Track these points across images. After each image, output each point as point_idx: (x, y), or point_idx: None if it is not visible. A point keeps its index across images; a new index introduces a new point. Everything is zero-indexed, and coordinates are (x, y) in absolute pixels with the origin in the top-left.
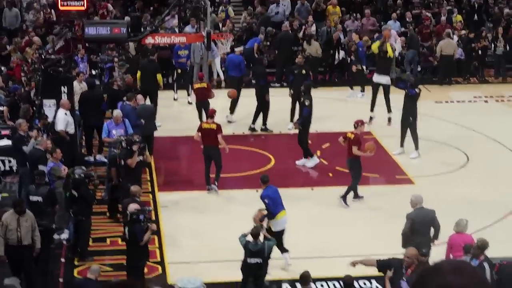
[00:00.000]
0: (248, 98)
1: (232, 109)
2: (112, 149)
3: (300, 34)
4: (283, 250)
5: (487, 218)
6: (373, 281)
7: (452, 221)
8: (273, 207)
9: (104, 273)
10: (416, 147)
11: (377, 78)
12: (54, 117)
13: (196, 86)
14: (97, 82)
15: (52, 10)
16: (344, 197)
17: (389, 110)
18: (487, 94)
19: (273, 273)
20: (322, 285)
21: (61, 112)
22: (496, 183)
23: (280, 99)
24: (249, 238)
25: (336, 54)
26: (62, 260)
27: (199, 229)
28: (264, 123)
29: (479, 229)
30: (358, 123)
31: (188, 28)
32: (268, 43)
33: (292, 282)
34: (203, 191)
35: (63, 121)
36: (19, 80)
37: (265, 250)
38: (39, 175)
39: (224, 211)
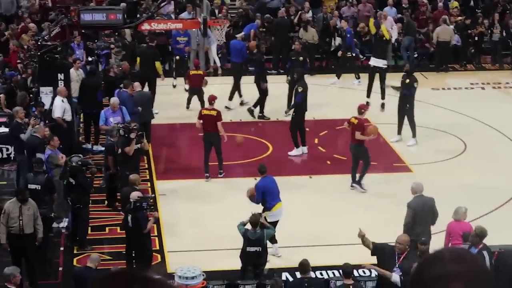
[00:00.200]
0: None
1: (231, 96)
2: (109, 137)
3: (296, 20)
4: (273, 241)
5: (485, 206)
6: (373, 270)
7: (451, 209)
8: (270, 198)
9: (103, 261)
10: (414, 135)
11: (373, 61)
12: (51, 104)
13: (192, 72)
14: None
15: None
16: (358, 182)
17: (383, 97)
18: (484, 81)
19: (272, 262)
20: (321, 273)
21: (58, 99)
22: (494, 170)
23: (277, 86)
24: (248, 226)
25: (333, 40)
26: (61, 248)
27: (198, 218)
28: (261, 110)
29: (478, 217)
30: (362, 108)
31: (184, 14)
32: (264, 29)
33: (291, 271)
34: (202, 179)
35: (60, 108)
36: (15, 67)
37: (264, 239)
38: (37, 163)
39: (223, 199)
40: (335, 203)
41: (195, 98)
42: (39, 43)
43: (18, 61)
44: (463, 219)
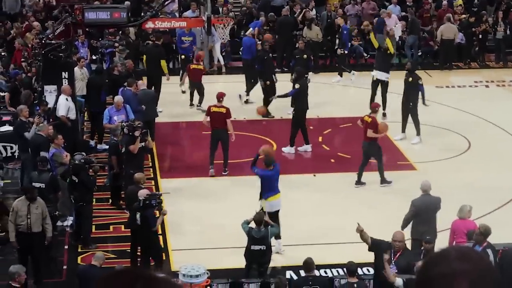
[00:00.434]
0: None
1: (249, 90)
2: (112, 137)
3: (300, 18)
4: (277, 237)
5: (490, 204)
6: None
7: (455, 207)
8: (267, 189)
9: (107, 260)
10: (418, 133)
11: (376, 74)
12: (55, 103)
13: (192, 66)
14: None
15: None
16: (383, 181)
17: (384, 108)
18: (488, 79)
19: (276, 260)
20: (325, 272)
21: (62, 97)
22: (498, 168)
23: (281, 84)
24: (252, 224)
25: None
26: (66, 247)
27: (202, 216)
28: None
29: (482, 215)
30: (376, 107)
31: (188, 13)
32: (268, 27)
33: (295, 269)
34: (206, 178)
35: (65, 106)
36: (19, 65)
37: (269, 237)
38: (41, 161)
39: (227, 198)
40: (339, 201)
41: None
42: (43, 41)
43: (22, 59)
44: (468, 217)
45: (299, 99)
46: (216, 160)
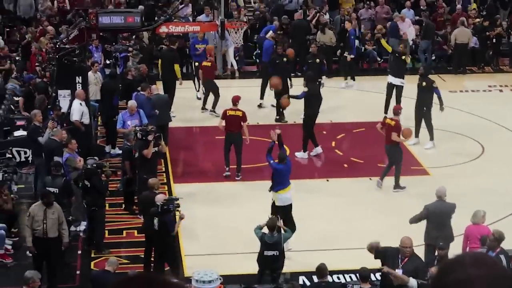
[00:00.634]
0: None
1: (262, 94)
2: (125, 142)
3: (313, 23)
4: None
5: (503, 209)
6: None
7: (469, 213)
8: (278, 182)
9: (120, 265)
10: (431, 138)
11: (391, 79)
12: (69, 107)
13: (204, 64)
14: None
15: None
16: (397, 186)
17: (386, 111)
18: (502, 83)
19: (289, 266)
20: (338, 277)
21: (76, 102)
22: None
23: (295, 88)
24: (265, 230)
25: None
26: (79, 252)
27: (215, 221)
28: (278, 113)
29: (496, 220)
30: (398, 109)
31: (202, 17)
32: (282, 31)
33: (308, 275)
34: (219, 183)
35: (78, 111)
36: (33, 70)
37: (282, 242)
38: (55, 166)
39: (240, 203)
40: (352, 206)
41: (210, 99)
42: (57, 46)
43: (37, 64)
44: (482, 222)
45: (309, 103)
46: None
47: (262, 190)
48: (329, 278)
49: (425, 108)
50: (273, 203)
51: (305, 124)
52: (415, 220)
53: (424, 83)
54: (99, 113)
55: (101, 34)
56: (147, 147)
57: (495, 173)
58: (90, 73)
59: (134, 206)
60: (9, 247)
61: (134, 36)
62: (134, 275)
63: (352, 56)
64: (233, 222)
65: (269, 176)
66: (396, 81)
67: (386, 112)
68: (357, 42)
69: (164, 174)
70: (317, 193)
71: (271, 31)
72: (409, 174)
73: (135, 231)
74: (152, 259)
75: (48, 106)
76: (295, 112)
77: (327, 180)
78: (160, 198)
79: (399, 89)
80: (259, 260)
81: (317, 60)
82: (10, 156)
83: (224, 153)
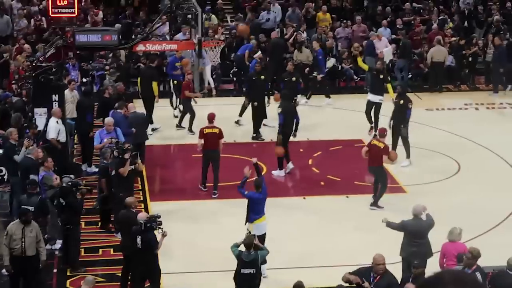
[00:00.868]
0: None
1: (241, 112)
2: (102, 159)
3: (291, 41)
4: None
5: (480, 227)
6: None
7: (445, 230)
8: (254, 212)
9: (97, 284)
10: (408, 155)
11: (370, 97)
12: (46, 125)
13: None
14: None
15: (43, 17)
16: (375, 204)
17: (375, 129)
18: (478, 102)
19: (266, 283)
20: None
21: (53, 120)
22: (488, 191)
23: (271, 107)
24: (242, 248)
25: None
26: (55, 270)
27: (192, 239)
28: (255, 131)
29: (472, 237)
30: (384, 132)
31: (179, 36)
32: (260, 49)
33: None
34: (195, 201)
35: (55, 129)
36: (10, 88)
37: (259, 260)
38: (30, 184)
39: (216, 221)
40: (329, 224)
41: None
42: (34, 64)
43: (13, 81)
44: (458, 240)
45: (284, 122)
46: (207, 183)
47: (239, 208)
48: None
49: (402, 126)
50: (249, 232)
51: (279, 141)
52: (390, 226)
53: (401, 101)
54: (75, 131)
55: (78, 52)
56: (123, 165)
57: (471, 191)
58: (66, 91)
59: (110, 224)
60: None
61: (111, 54)
62: None
63: (322, 75)
64: (210, 240)
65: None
66: (375, 98)
67: (370, 122)
68: (333, 60)
69: (141, 192)
70: (294, 210)
71: (259, 52)
72: (386, 192)
73: (111, 249)
74: (129, 277)
75: (24, 124)
76: (273, 130)
77: (304, 198)
78: (142, 216)
79: (378, 106)
80: (236, 278)
81: (293, 78)
82: None
83: (202, 171)
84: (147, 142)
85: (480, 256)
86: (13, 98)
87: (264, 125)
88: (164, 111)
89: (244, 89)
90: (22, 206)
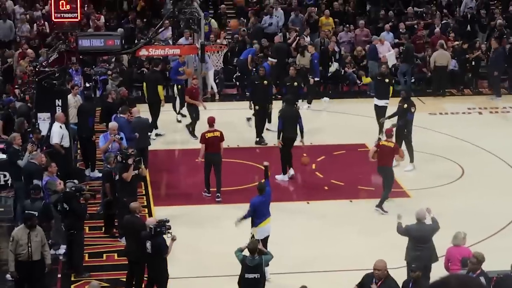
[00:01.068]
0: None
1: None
2: (106, 164)
3: (294, 46)
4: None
5: (484, 231)
6: None
7: (449, 234)
8: (257, 217)
9: None
10: (411, 160)
11: (376, 101)
12: (49, 130)
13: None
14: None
15: (46, 22)
16: (380, 205)
17: (380, 132)
18: (481, 106)
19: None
20: None
21: (56, 125)
22: (491, 195)
23: (274, 111)
24: (246, 253)
25: (330, 65)
26: (59, 275)
27: (196, 244)
28: (258, 135)
29: (477, 242)
30: (391, 132)
31: (182, 40)
32: (262, 54)
33: None
34: (199, 205)
35: (58, 134)
36: (13, 93)
37: (263, 265)
38: (34, 189)
39: (220, 226)
40: (333, 229)
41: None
42: (37, 69)
43: (16, 86)
44: (462, 244)
45: (284, 126)
46: (211, 187)
47: (243, 213)
48: None
49: (405, 130)
50: (252, 237)
51: (282, 147)
52: (398, 230)
53: (405, 105)
54: (78, 136)
55: (80, 57)
56: (127, 170)
57: (474, 195)
58: (70, 96)
59: (114, 229)
60: None
61: (114, 59)
62: None
63: (317, 79)
64: (214, 244)
65: (248, 197)
66: (380, 102)
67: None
68: (336, 64)
69: (144, 197)
70: (298, 215)
71: (270, 59)
72: (389, 196)
73: (115, 254)
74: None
75: (28, 129)
76: (275, 135)
77: (308, 203)
78: (151, 221)
79: (383, 109)
80: (240, 283)
81: (295, 83)
82: None
83: (205, 175)
84: (151, 147)
85: (484, 260)
86: (17, 103)
87: (267, 129)
88: (167, 115)
89: (247, 93)
90: (26, 211)
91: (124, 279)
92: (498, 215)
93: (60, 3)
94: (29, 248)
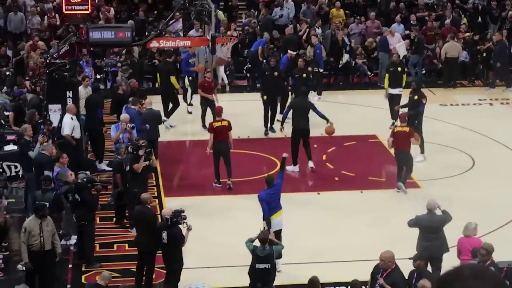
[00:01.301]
0: (254, 102)
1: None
2: (116, 155)
3: (304, 37)
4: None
5: (494, 221)
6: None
7: (460, 225)
8: (267, 210)
9: (112, 279)
10: (422, 151)
11: (391, 90)
12: (60, 122)
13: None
14: (102, 87)
15: (57, 14)
16: (404, 184)
17: (394, 117)
18: (492, 97)
19: (281, 279)
20: None
21: (68, 116)
22: (502, 186)
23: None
24: (257, 243)
25: (342, 57)
26: (70, 266)
27: (207, 234)
28: (271, 123)
29: (487, 232)
30: (405, 117)
31: (192, 32)
32: (273, 45)
33: (300, 287)
34: (210, 196)
35: (70, 125)
36: (24, 84)
37: (273, 255)
38: (45, 180)
39: (230, 216)
40: (343, 219)
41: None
42: (48, 61)
43: (27, 78)
44: (473, 234)
45: (293, 117)
46: (221, 178)
47: (253, 203)
48: None
49: (416, 122)
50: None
51: (292, 138)
52: (409, 224)
53: (416, 97)
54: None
55: (91, 49)
56: (137, 162)
57: (485, 186)
58: (80, 88)
59: (125, 220)
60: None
61: (124, 51)
62: None
63: (321, 70)
64: (225, 235)
65: (259, 189)
66: (394, 91)
67: (393, 118)
68: (347, 56)
69: (155, 188)
70: (308, 206)
71: (289, 51)
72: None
73: (126, 245)
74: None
75: (39, 121)
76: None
77: (318, 194)
78: (167, 212)
79: (398, 97)
80: (250, 273)
81: (304, 75)
82: (1, 170)
83: (214, 166)
84: (162, 138)
85: (494, 250)
86: (28, 94)
87: (277, 120)
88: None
89: (258, 85)
90: (37, 202)
91: (135, 269)
92: (509, 205)
93: None
94: (41, 238)
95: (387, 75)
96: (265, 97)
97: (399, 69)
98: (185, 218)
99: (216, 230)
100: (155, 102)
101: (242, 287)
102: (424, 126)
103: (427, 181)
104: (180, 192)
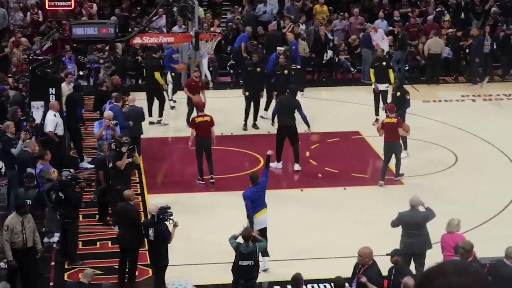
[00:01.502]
0: (237, 98)
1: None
2: (99, 152)
3: (287, 33)
4: (265, 254)
5: (477, 218)
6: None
7: (444, 221)
8: (252, 208)
9: (95, 276)
10: (405, 147)
11: (378, 86)
12: (43, 118)
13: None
14: (85, 83)
15: (39, 11)
16: (398, 175)
17: (378, 113)
18: (475, 93)
19: (264, 275)
20: (313, 287)
21: (50, 113)
22: (485, 182)
23: (265, 99)
24: (240, 240)
25: (325, 53)
26: (52, 263)
27: (189, 232)
28: (254, 119)
29: (470, 228)
30: (393, 108)
31: (175, 28)
32: (256, 42)
33: (283, 284)
34: (193, 193)
35: (52, 122)
36: (7, 81)
37: (257, 252)
38: (27, 177)
39: (214, 213)
40: (326, 216)
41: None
42: (30, 57)
43: (9, 75)
44: (456, 231)
45: (280, 114)
46: (204, 175)
47: (237, 200)
48: None
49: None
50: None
51: (276, 135)
52: (392, 225)
53: (398, 93)
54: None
55: (74, 45)
56: (120, 158)
57: (468, 182)
58: (63, 84)
59: (108, 217)
60: None
61: (107, 47)
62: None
63: (298, 66)
64: (208, 232)
65: (242, 185)
66: (381, 86)
67: (377, 114)
68: (330, 52)
69: (138, 185)
70: (292, 203)
71: (281, 48)
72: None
73: (109, 242)
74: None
75: (22, 118)
76: (268, 122)
77: (302, 190)
78: (154, 209)
79: (384, 93)
80: (234, 270)
81: (285, 72)
82: None
83: (197, 162)
84: (144, 135)
85: (473, 246)
86: (10, 91)
87: (261, 117)
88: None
89: (241, 81)
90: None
91: (117, 267)
92: (492, 202)
93: None
94: (24, 235)
95: (372, 69)
96: (246, 93)
97: (384, 63)
98: (172, 215)
99: (199, 227)
100: (139, 99)
101: (225, 284)
102: (407, 123)
103: (410, 177)
104: (163, 189)
